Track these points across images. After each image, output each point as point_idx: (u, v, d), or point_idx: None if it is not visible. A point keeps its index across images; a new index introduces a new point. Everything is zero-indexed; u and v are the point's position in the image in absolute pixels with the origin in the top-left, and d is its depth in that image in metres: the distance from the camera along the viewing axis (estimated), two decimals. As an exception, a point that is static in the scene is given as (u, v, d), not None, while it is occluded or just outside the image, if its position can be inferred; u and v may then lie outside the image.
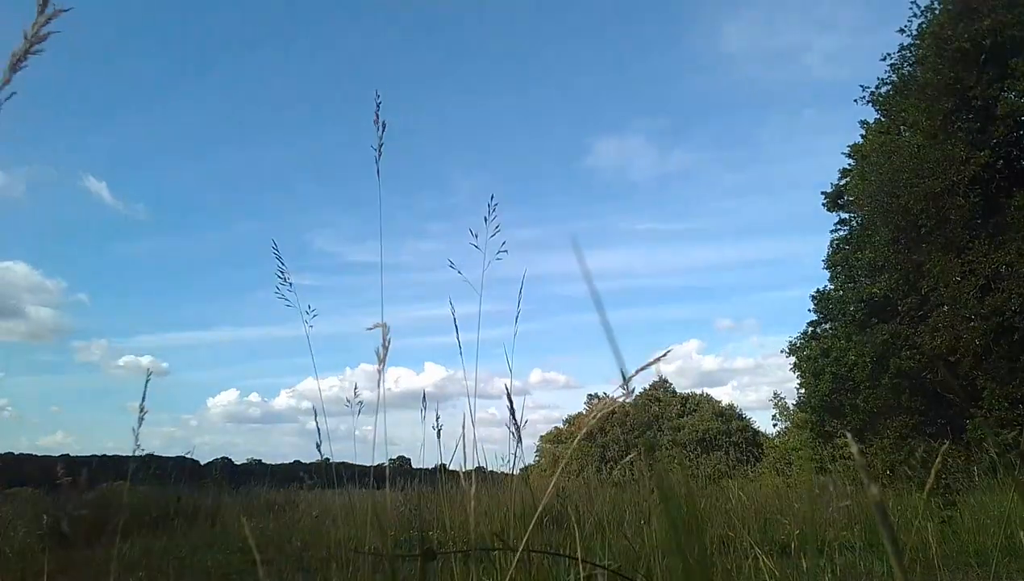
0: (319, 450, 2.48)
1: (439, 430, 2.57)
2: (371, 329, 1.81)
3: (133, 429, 2.17)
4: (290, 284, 2.46)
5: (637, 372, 0.99)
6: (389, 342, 1.81)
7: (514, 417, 1.96)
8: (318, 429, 2.50)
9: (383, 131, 2.13)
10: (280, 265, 2.45)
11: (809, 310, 25.81)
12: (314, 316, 2.53)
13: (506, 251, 2.25)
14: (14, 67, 1.03)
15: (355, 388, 2.56)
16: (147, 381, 2.20)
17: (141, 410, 2.18)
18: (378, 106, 2.10)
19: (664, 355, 1.01)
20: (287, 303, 2.47)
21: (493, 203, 2.24)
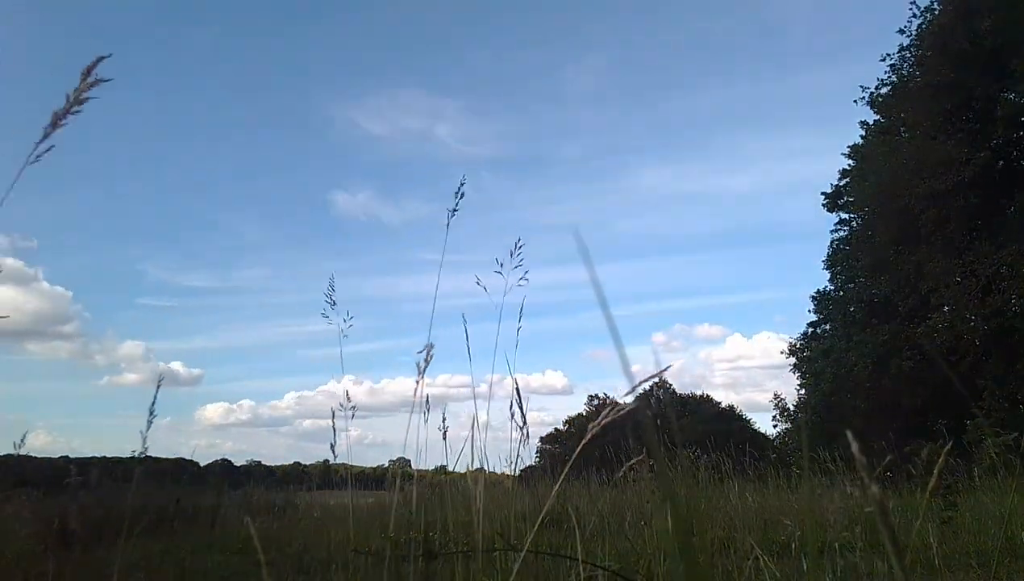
0: (332, 450, 2.54)
1: (445, 431, 2.60)
2: (421, 352, 2.04)
3: (140, 432, 2.19)
4: (334, 303, 2.67)
5: (643, 382, 1.00)
6: (432, 356, 2.00)
7: (522, 410, 2.00)
8: (334, 430, 2.56)
9: (460, 197, 2.51)
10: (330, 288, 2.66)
11: (809, 311, 25.82)
12: (350, 326, 2.71)
13: (527, 280, 2.54)
14: (55, 124, 1.13)
15: (346, 393, 2.60)
16: (158, 386, 2.22)
17: (151, 413, 2.20)
18: (462, 185, 2.51)
19: (668, 368, 1.03)
20: (325, 316, 2.69)
21: (520, 244, 2.54)
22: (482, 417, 2.65)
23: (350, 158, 77.87)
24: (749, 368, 61.33)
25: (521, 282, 2.55)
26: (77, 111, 1.11)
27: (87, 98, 1.10)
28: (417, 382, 2.12)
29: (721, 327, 63.68)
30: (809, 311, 25.78)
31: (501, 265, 2.54)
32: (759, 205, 67.32)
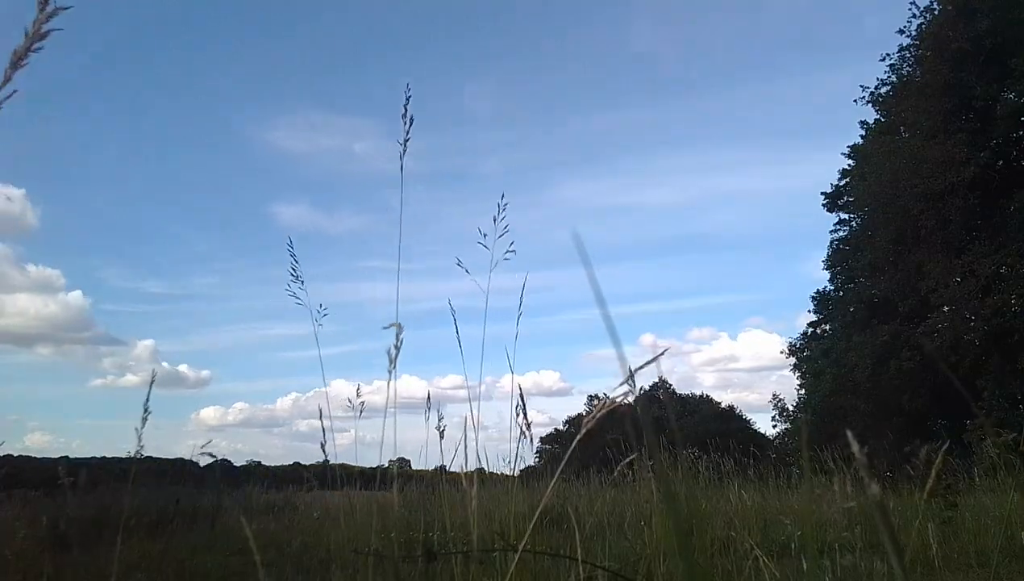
0: (323, 450, 2.51)
1: (442, 431, 2.60)
2: (387, 328, 1.83)
3: (136, 430, 2.18)
4: (301, 282, 2.53)
5: (637, 370, 0.99)
6: (401, 342, 1.83)
7: (524, 411, 1.97)
8: (323, 431, 2.54)
9: (410, 125, 2.19)
10: (293, 262, 2.52)
11: (809, 311, 25.83)
12: (324, 315, 2.60)
13: (514, 252, 2.31)
14: (15, 65, 1.00)
15: (358, 388, 2.60)
16: (151, 384, 2.22)
17: (145, 411, 2.19)
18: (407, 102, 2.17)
19: (662, 354, 1.01)
20: (298, 301, 2.55)
21: (503, 203, 2.28)
22: (480, 418, 2.64)
23: (276, 174, 79.41)
24: (736, 370, 61.49)
25: (508, 255, 2.28)
26: (39, 47, 0.98)
27: (48, 31, 0.97)
28: (390, 371, 1.88)
29: (710, 329, 63.78)
30: (809, 311, 25.82)
31: (484, 235, 2.26)
32: (704, 215, 67.32)
